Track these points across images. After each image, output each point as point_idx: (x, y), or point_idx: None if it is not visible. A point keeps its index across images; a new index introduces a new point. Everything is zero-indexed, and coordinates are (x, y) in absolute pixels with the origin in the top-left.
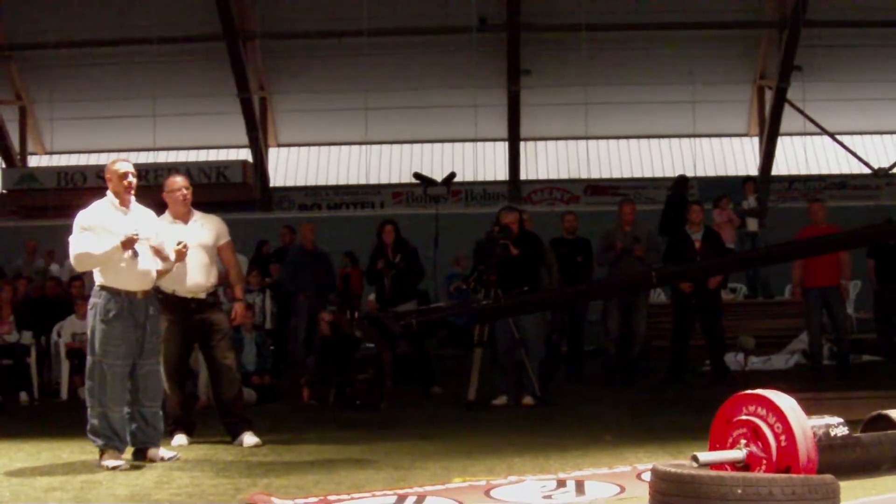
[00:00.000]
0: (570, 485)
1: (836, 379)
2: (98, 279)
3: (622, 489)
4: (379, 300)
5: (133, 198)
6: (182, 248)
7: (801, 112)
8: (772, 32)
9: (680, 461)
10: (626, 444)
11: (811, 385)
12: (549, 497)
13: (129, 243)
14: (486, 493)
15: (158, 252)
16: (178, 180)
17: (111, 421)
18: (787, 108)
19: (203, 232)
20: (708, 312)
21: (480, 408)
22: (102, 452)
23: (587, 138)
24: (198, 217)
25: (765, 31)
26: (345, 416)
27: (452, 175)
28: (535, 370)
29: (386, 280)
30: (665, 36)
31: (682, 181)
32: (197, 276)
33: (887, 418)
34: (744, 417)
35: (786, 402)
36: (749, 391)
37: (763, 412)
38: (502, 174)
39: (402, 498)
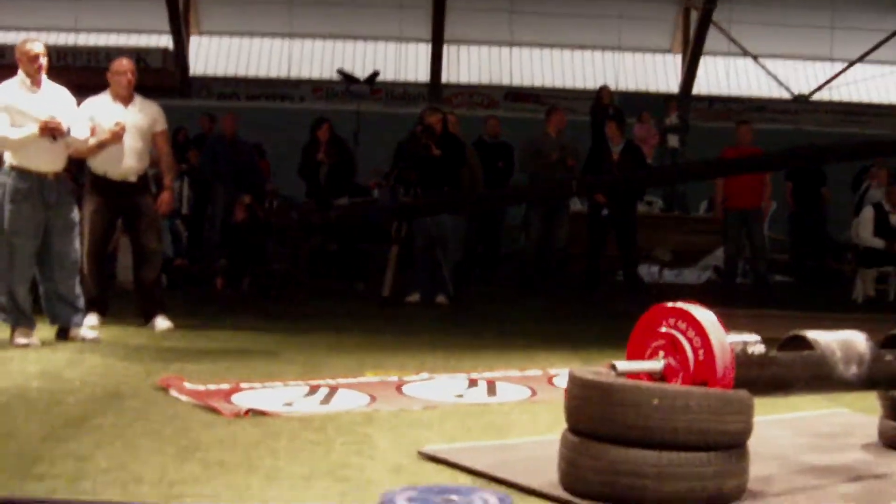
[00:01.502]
0: (482, 385)
1: (755, 298)
2: (8, 159)
3: (534, 392)
4: (312, 195)
5: (45, 77)
6: (119, 130)
7: (726, 33)
8: None
9: (597, 368)
10: (538, 348)
11: (724, 301)
12: (460, 396)
13: (46, 130)
14: (398, 388)
15: (93, 131)
16: (125, 63)
17: (17, 299)
18: (711, 29)
19: (140, 117)
20: (622, 224)
21: (394, 304)
22: (13, 330)
23: (511, 45)
24: (137, 101)
25: None
26: (259, 306)
27: (375, 74)
28: (450, 270)
29: (321, 175)
30: None
31: (599, 91)
32: (130, 160)
33: (803, 339)
34: (663, 329)
35: (705, 317)
36: (670, 304)
37: (683, 325)
38: (424, 76)
39: (314, 389)
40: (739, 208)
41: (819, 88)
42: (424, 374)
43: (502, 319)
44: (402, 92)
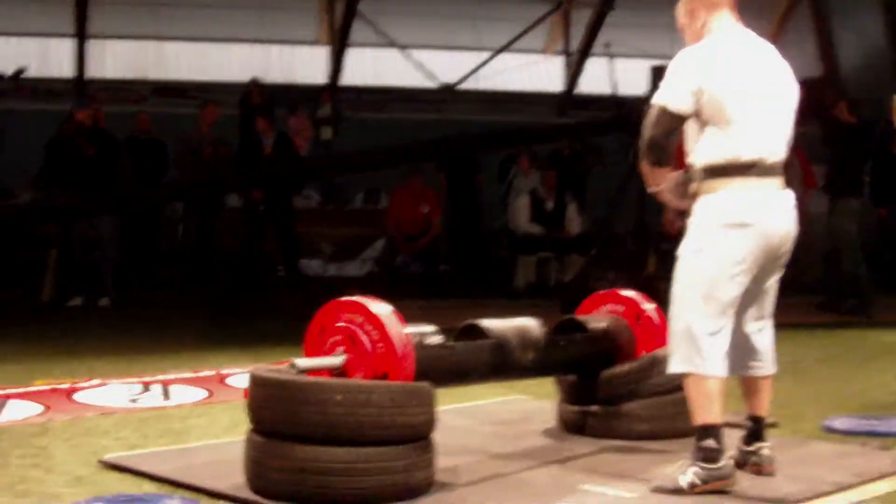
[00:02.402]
0: (156, 388)
1: (422, 288)
2: None
3: (210, 393)
4: None
5: None
6: None
7: (372, 24)
8: None
9: (276, 366)
10: (208, 348)
11: (391, 293)
12: (135, 400)
13: None
14: (70, 396)
15: None
16: None
17: None
18: (357, 19)
19: None
20: (280, 218)
21: (56, 309)
22: None
23: (158, 38)
24: None
25: None
26: None
27: (21, 70)
28: (110, 272)
29: None
30: None
31: (249, 84)
32: None
33: (477, 328)
34: (340, 324)
35: (382, 310)
36: (345, 297)
37: (360, 319)
38: (69, 71)
39: None
40: None
41: (465, 78)
42: (96, 380)
43: (169, 320)
44: (47, 89)
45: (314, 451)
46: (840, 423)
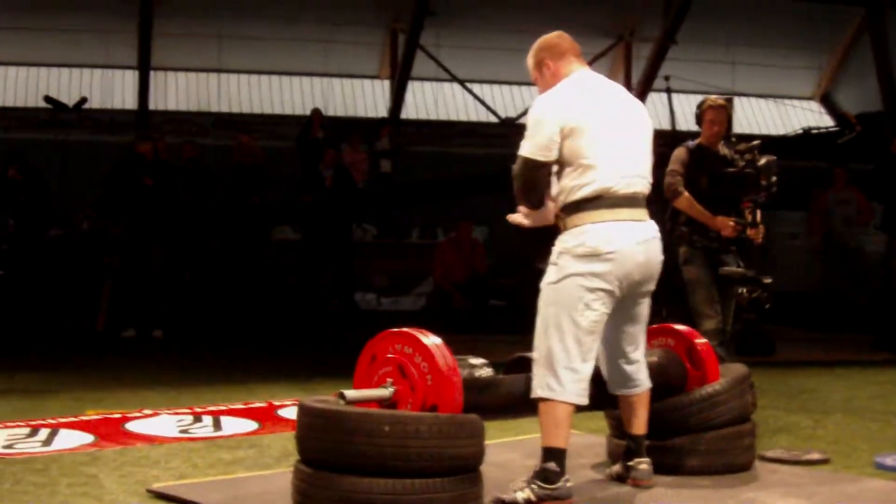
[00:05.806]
0: (207, 419)
1: (474, 324)
2: None
3: (262, 424)
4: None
5: None
6: None
7: (433, 58)
8: None
9: (325, 397)
10: (260, 379)
11: (444, 326)
12: (185, 431)
13: None
14: (121, 426)
15: None
16: None
17: None
18: (419, 53)
19: None
20: (338, 251)
21: (109, 339)
22: None
23: (219, 71)
24: None
25: None
26: None
27: (83, 100)
28: (164, 302)
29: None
30: None
31: (310, 115)
32: None
33: (527, 361)
34: (390, 356)
35: (432, 342)
36: (395, 329)
37: (409, 351)
38: (131, 103)
39: (34, 430)
40: None
41: (526, 112)
42: (147, 410)
43: (220, 350)
44: (109, 120)
45: (361, 482)
46: (892, 459)
